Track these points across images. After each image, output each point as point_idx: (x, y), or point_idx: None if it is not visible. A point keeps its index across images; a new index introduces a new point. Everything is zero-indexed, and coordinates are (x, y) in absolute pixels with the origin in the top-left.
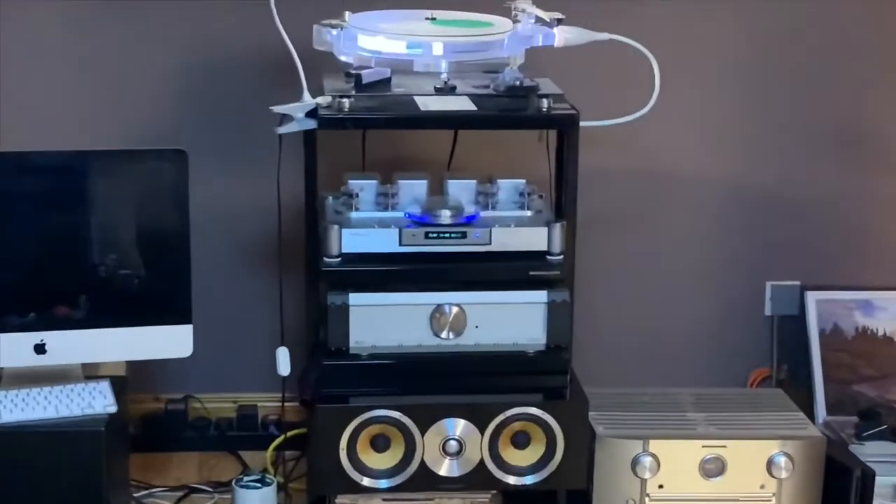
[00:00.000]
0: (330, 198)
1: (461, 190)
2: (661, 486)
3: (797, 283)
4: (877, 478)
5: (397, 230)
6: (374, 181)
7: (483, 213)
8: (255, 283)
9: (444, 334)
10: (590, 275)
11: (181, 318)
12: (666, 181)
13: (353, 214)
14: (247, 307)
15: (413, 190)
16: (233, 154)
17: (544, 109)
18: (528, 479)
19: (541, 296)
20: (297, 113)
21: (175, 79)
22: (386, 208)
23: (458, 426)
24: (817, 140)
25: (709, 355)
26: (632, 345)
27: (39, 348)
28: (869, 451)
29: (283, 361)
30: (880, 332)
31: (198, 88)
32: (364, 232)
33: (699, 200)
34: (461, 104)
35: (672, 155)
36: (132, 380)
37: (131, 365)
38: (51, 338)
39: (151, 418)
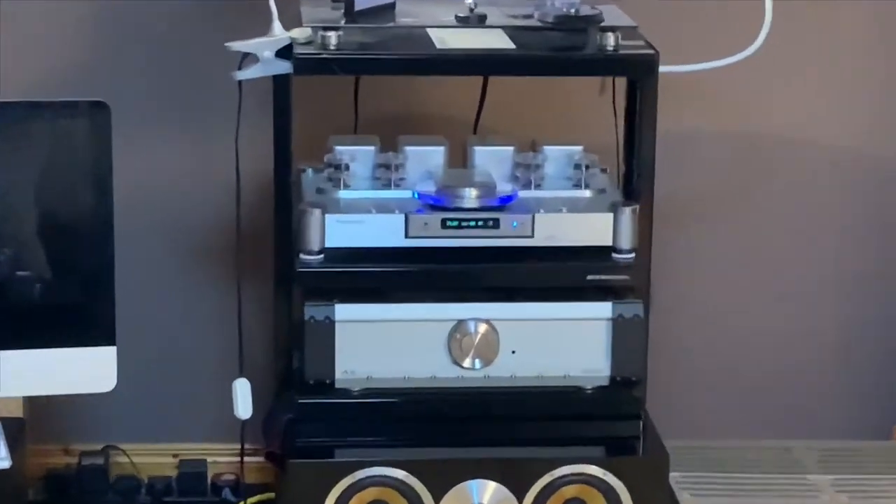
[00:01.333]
0: (310, 171)
1: (493, 161)
2: None
3: None
4: None
5: (403, 217)
6: (372, 148)
7: (523, 194)
8: (204, 291)
9: (467, 363)
10: (670, 280)
11: (101, 337)
12: (776, 152)
13: (343, 194)
14: (192, 323)
15: (426, 160)
16: (174, 110)
17: (609, 48)
18: None
19: (604, 309)
20: (263, 51)
21: (94, 7)
22: (388, 185)
23: (487, 491)
24: None
25: (839, 397)
26: (729, 380)
27: None
28: None
29: (243, 399)
30: None
31: (125, 19)
32: (357, 219)
33: (823, 181)
34: (493, 40)
35: (785, 116)
36: (33, 424)
37: (32, 403)
38: None
39: (59, 477)
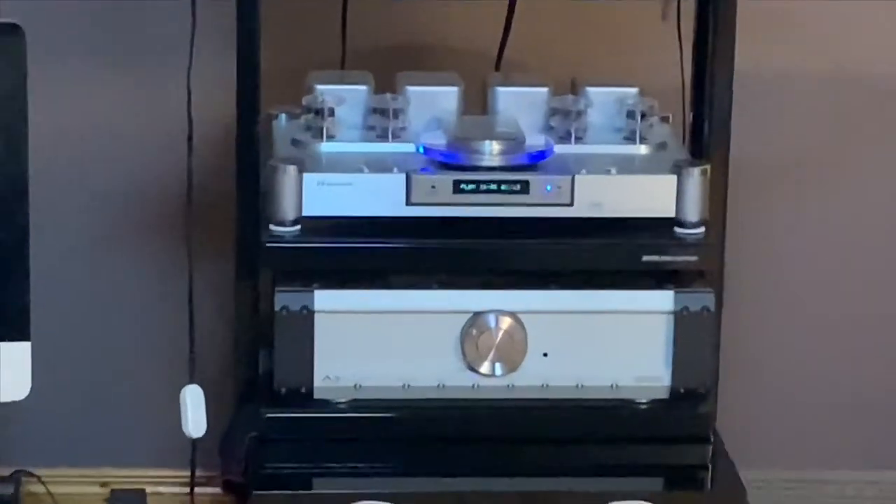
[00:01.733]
0: (283, 117)
1: (522, 105)
2: None
3: None
4: None
5: (404, 177)
6: (364, 88)
7: (561, 149)
8: (145, 273)
9: (486, 368)
10: (746, 263)
11: (11, 332)
12: (886, 105)
13: (326, 147)
14: (129, 315)
15: (434, 104)
16: (107, 37)
17: None
18: None
19: (664, 300)
20: None
21: None
22: (384, 137)
23: None
24: None
25: None
26: (821, 393)
27: None
28: None
29: (194, 412)
30: None
31: None
32: (345, 179)
33: None
34: None
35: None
36: None
37: None
38: None
39: None
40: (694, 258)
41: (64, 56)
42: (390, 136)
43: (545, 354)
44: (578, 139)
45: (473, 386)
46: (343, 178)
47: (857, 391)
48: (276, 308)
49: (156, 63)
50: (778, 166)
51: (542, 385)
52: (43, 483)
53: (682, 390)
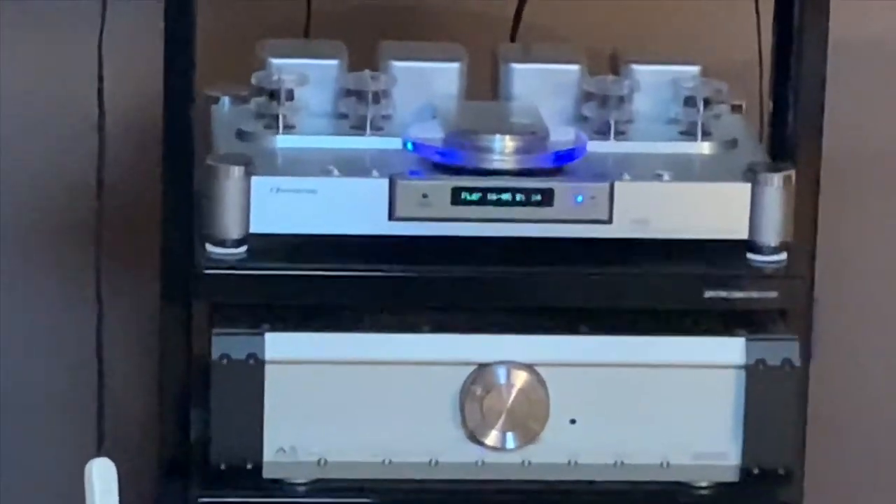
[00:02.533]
0: (226, 101)
1: (544, 88)
2: None
3: None
4: None
5: (386, 182)
6: (335, 62)
7: (595, 146)
8: (41, 305)
9: (493, 438)
10: (844, 298)
11: None
12: None
13: (282, 141)
14: (17, 361)
15: (427, 85)
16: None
17: None
18: None
19: (732, 349)
20: None
21: None
22: (360, 128)
23: None
24: None
25: None
26: None
27: None
28: None
29: (102, 493)
30: None
31: None
32: (306, 184)
33: None
34: None
35: None
36: None
37: None
38: None
39: None
40: (773, 294)
41: None
42: (369, 127)
43: (573, 421)
44: (620, 134)
45: (477, 462)
46: (305, 182)
47: None
48: (214, 355)
49: (60, 27)
50: (882, 166)
51: (569, 462)
52: None
53: (755, 471)
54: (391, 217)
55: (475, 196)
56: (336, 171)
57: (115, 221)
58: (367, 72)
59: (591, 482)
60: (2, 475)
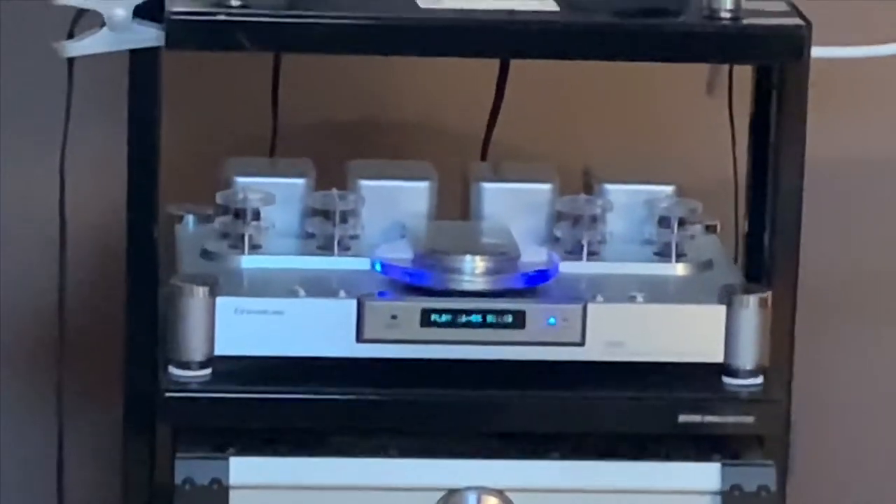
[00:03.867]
0: (191, 219)
1: (515, 208)
2: None
3: None
4: None
5: (354, 303)
6: (301, 181)
7: (567, 267)
8: (4, 425)
9: None
10: (818, 420)
11: None
12: None
13: (247, 262)
14: None
15: (396, 204)
16: None
17: (726, 14)
18: None
19: (708, 475)
20: (111, 9)
21: None
22: (328, 249)
23: None
24: None
25: None
26: None
27: None
28: None
29: None
30: None
31: None
32: (272, 305)
33: None
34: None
35: None
36: None
37: None
38: None
39: None
40: (750, 419)
41: None
42: (336, 247)
43: None
44: (593, 254)
45: None
46: (271, 304)
47: None
48: (178, 480)
49: (23, 144)
50: (859, 289)
51: None
52: None
53: None
54: (359, 339)
55: (445, 318)
56: (303, 292)
57: (77, 342)
58: (334, 191)
59: None
60: None
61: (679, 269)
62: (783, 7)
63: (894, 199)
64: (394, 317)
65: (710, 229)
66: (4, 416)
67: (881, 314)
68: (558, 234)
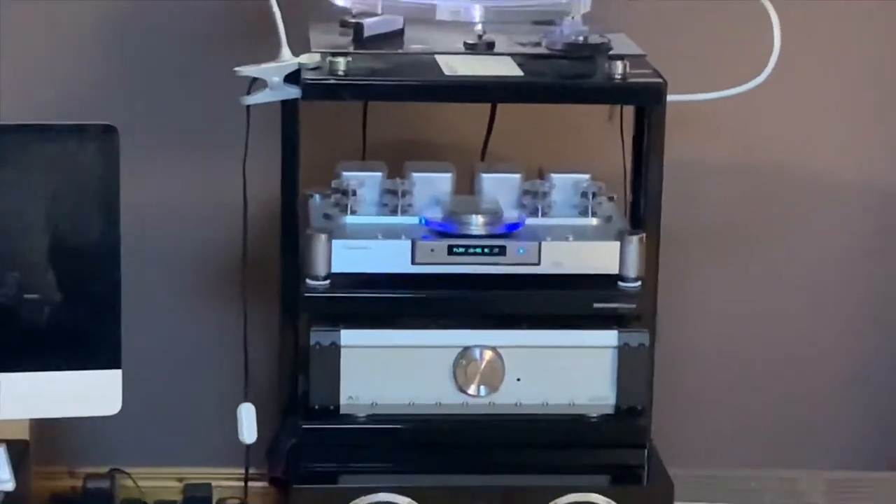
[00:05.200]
0: (317, 196)
1: (500, 188)
2: None
3: None
4: None
5: (409, 242)
6: (379, 174)
7: (530, 221)
8: (210, 315)
9: (472, 389)
10: (677, 309)
11: (107, 360)
12: (785, 183)
13: (349, 220)
14: (197, 348)
15: (433, 186)
16: (181, 134)
17: (618, 77)
18: None
19: (610, 337)
20: (272, 76)
21: (103, 31)
22: (394, 211)
23: None
24: None
25: (846, 427)
26: (735, 410)
27: None
28: None
29: (248, 424)
30: None
31: (134, 44)
32: (363, 244)
33: (831, 211)
34: (501, 67)
35: (793, 147)
36: (38, 447)
37: (37, 425)
38: None
39: (64, 500)
40: (633, 306)
41: (151, 148)
42: (399, 211)
43: (518, 379)
44: (544, 214)
45: (463, 404)
46: (363, 243)
47: (761, 406)
48: (311, 343)
49: (220, 154)
50: (698, 233)
51: (516, 403)
52: (132, 478)
53: (624, 407)
54: (412, 263)
55: (460, 250)
56: (380, 236)
57: (254, 267)
58: (398, 179)
59: (528, 416)
60: (193, 414)
61: (593, 222)
62: (650, 72)
63: (722, 181)
64: (432, 250)
65: (610, 199)
66: (215, 313)
67: (713, 245)
68: (524, 202)
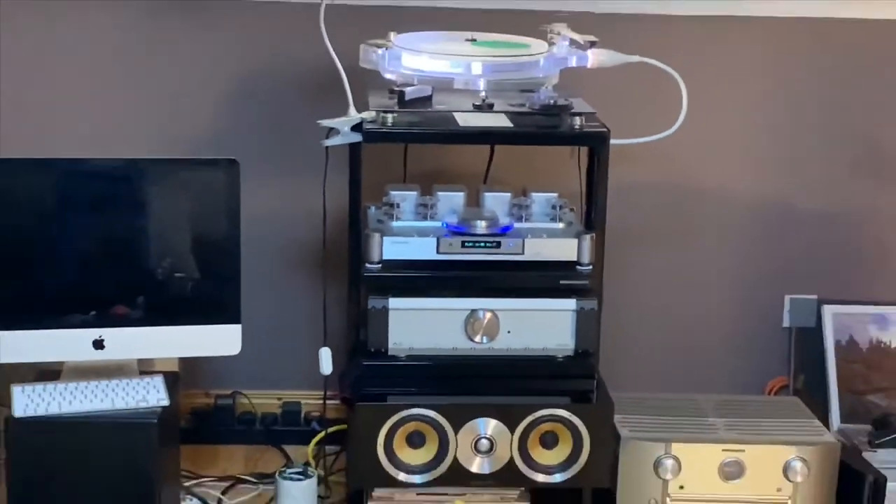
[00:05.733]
0: (372, 207)
1: (496, 202)
2: (681, 487)
3: (814, 296)
4: (888, 484)
5: (435, 239)
6: (415, 192)
7: (517, 225)
8: (301, 287)
9: (477, 338)
10: (618, 285)
11: (231, 318)
12: (692, 197)
13: (394, 223)
14: (292, 309)
15: (451, 201)
16: (282, 165)
17: (576, 127)
18: (556, 478)
19: (570, 304)
20: (343, 127)
21: (229, 93)
22: (425, 218)
23: (490, 426)
24: (836, 160)
25: (729, 364)
26: (656, 352)
27: (98, 344)
28: (881, 458)
29: (326, 361)
30: (893, 345)
31: (250, 102)
32: (404, 240)
33: (724, 216)
34: (498, 121)
35: (698, 172)
36: (184, 376)
37: (183, 361)
38: (109, 334)
39: (201, 412)
40: (586, 282)
41: (260, 176)
42: (428, 217)
43: (508, 332)
44: (526, 220)
45: (471, 349)
46: (403, 239)
47: (674, 350)
48: (369, 307)
49: (308, 179)
50: (632, 233)
51: (507, 348)
52: (247, 398)
53: (580, 351)
54: (437, 252)
55: (470, 244)
56: (415, 235)
57: (330, 255)
58: (427, 196)
59: (515, 356)
60: (289, 355)
61: (560, 226)
62: (599, 124)
63: (646, 197)
64: (451, 244)
65: (571, 210)
66: (303, 286)
67: (641, 242)
68: (513, 212)
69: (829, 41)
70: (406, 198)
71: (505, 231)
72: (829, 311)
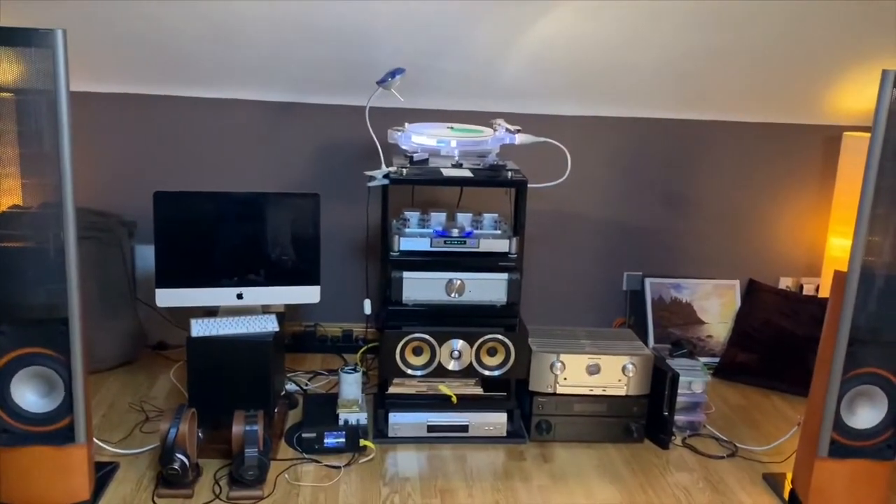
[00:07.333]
0: (394, 221)
1: (464, 219)
2: (565, 379)
3: (640, 273)
4: (680, 378)
5: (429, 238)
6: (418, 213)
7: (475, 231)
8: (353, 265)
9: (453, 295)
10: (529, 265)
11: (314, 281)
12: (570, 216)
13: (406, 230)
14: (349, 277)
15: (439, 218)
16: (344, 197)
17: (509, 178)
18: (496, 372)
19: (504, 276)
20: (378, 175)
21: (314, 156)
22: (424, 227)
23: (459, 344)
24: (655, 199)
25: (593, 310)
26: (551, 303)
27: (239, 296)
28: (676, 364)
29: (367, 307)
30: (684, 301)
31: (326, 161)
32: (412, 239)
33: (590, 227)
34: (465, 173)
35: (573, 202)
36: (287, 313)
37: (287, 306)
38: (245, 291)
39: (297, 335)
40: (513, 263)
41: (330, 201)
42: (425, 227)
43: (470, 291)
44: (481, 229)
45: (449, 301)
46: (413, 240)
47: (559, 298)
48: (392, 277)
49: (358, 204)
50: (539, 236)
51: (469, 301)
52: (323, 327)
53: (510, 303)
54: (430, 246)
55: (450, 241)
56: (419, 237)
57: (370, 246)
58: (425, 214)
59: (474, 305)
60: (347, 303)
61: (499, 232)
62: (522, 176)
63: (545, 217)
64: (438, 242)
65: (505, 223)
66: (356, 264)
67: (541, 241)
68: (473, 224)
69: (653, 134)
70: (413, 216)
71: (468, 235)
72: (648, 281)
